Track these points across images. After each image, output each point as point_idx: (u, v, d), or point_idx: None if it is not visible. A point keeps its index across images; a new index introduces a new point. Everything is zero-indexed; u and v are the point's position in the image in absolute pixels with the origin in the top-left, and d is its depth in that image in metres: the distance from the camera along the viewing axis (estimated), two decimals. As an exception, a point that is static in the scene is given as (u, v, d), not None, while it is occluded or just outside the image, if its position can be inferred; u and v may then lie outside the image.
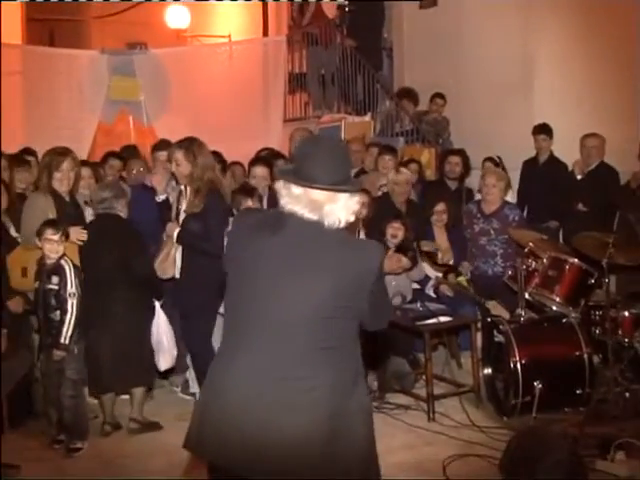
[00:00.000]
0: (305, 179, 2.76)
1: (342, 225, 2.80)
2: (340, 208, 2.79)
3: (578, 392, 5.50)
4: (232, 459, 2.74)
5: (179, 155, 5.48)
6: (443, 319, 5.88)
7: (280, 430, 2.67)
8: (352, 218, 2.84)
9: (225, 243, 2.87)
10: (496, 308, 6.23)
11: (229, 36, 12.49)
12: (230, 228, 2.87)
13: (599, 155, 7.70)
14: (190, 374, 5.98)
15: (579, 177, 7.71)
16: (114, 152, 7.65)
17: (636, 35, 7.75)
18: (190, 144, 5.51)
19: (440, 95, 9.54)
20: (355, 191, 2.86)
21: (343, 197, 2.80)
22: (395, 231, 6.34)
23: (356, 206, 2.85)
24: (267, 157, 7.49)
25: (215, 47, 11.46)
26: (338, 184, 2.78)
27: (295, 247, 2.76)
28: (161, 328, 5.48)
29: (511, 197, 7.74)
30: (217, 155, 6.65)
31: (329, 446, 2.69)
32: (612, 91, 8.11)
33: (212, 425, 2.77)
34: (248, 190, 6.17)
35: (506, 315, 6.11)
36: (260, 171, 6.71)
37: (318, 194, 2.77)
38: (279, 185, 2.84)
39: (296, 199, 2.77)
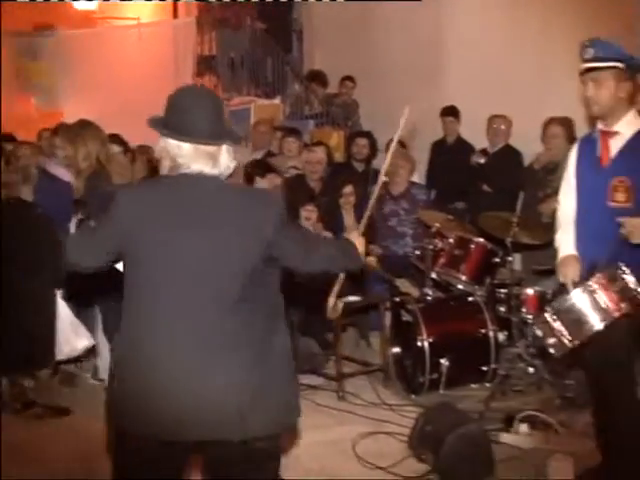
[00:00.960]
0: (187, 134, 2.76)
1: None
2: (228, 158, 2.83)
3: (484, 368, 5.61)
4: (166, 424, 2.71)
5: (58, 139, 5.39)
6: (352, 299, 5.92)
7: (208, 388, 2.69)
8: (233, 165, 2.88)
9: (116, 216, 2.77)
10: (405, 285, 6.30)
11: (138, 18, 12.30)
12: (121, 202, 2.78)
13: (505, 137, 7.83)
14: (100, 360, 5.88)
15: (481, 161, 7.80)
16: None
17: (544, 22, 7.89)
18: (70, 127, 5.42)
19: (349, 78, 9.58)
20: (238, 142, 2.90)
21: (226, 146, 2.84)
22: (309, 214, 6.37)
23: (233, 154, 2.88)
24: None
25: (124, 29, 11.30)
26: (222, 135, 2.82)
27: (199, 204, 2.75)
28: (61, 315, 5.38)
29: (417, 178, 7.84)
30: (117, 138, 6.53)
31: (254, 398, 2.72)
32: (518, 75, 8.25)
33: (145, 396, 2.72)
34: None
35: (415, 293, 6.19)
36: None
37: (211, 147, 2.78)
38: (165, 145, 2.82)
39: (191, 156, 2.77)
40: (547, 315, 3.57)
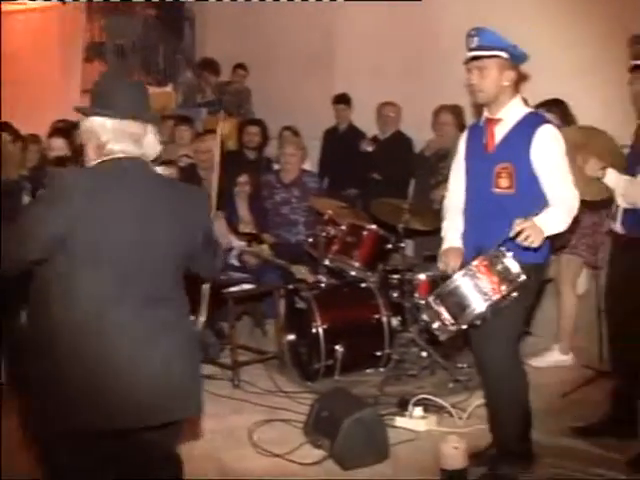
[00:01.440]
0: (112, 110, 2.75)
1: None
2: (153, 140, 2.84)
3: (378, 354, 5.68)
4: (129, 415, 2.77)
5: None
6: (246, 287, 5.92)
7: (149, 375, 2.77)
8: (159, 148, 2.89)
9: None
10: (301, 272, 6.31)
11: (25, 3, 11.93)
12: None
13: (395, 124, 7.91)
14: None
15: (369, 149, 7.86)
16: None
17: (435, 10, 7.99)
18: None
19: (242, 66, 9.53)
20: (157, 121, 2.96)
21: (151, 128, 2.83)
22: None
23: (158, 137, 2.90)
24: (64, 128, 7.24)
25: (10, 14, 10.94)
26: (145, 116, 2.83)
27: (137, 195, 2.76)
28: None
29: (309, 166, 7.87)
30: (7, 126, 6.35)
31: (182, 384, 2.87)
32: (410, 63, 8.33)
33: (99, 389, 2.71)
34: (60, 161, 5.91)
35: (311, 279, 6.20)
36: (58, 143, 6.47)
37: (135, 128, 2.75)
38: (90, 125, 2.79)
39: (116, 134, 2.75)
40: (431, 299, 3.64)
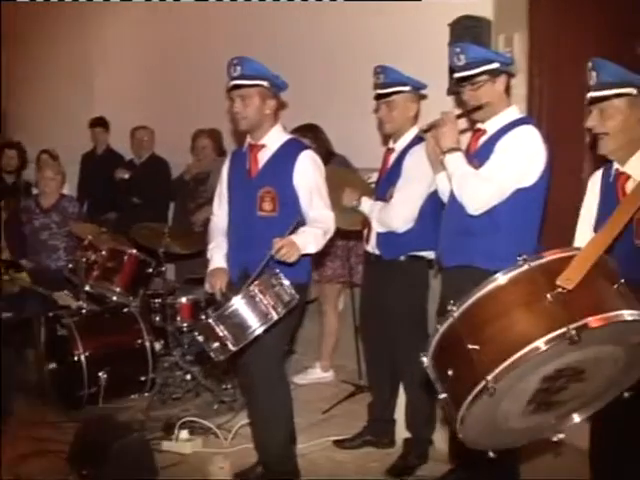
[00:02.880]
0: None
1: None
2: None
3: (142, 378, 5.65)
4: None
5: None
6: (5, 315, 5.70)
7: None
8: None
9: None
10: (64, 298, 6.14)
11: None
12: None
13: (149, 147, 7.90)
14: None
15: (126, 177, 7.78)
16: None
17: (199, 37, 8.08)
18: None
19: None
20: None
21: None
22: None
23: None
24: None
25: None
26: None
27: None
28: None
29: (68, 190, 7.69)
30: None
31: None
32: (169, 87, 8.38)
33: None
34: None
35: (74, 305, 6.05)
36: None
37: None
38: None
39: None
40: (211, 320, 3.69)
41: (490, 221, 3.78)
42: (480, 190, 3.72)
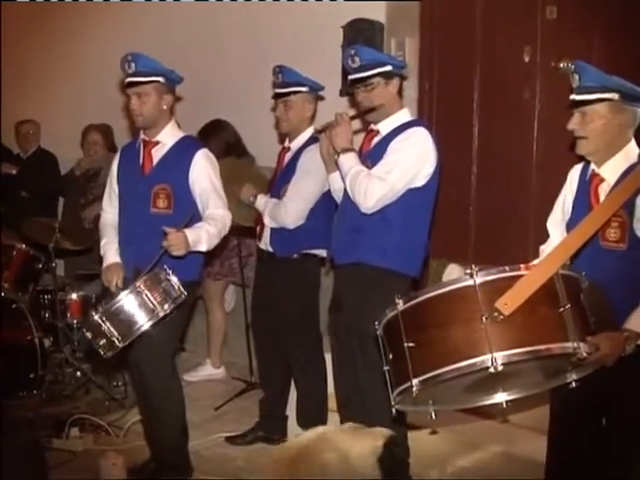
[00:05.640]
0: None
1: None
2: None
3: (32, 376, 5.53)
4: None
5: None
6: None
7: None
8: None
9: None
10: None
11: None
12: None
13: (35, 141, 7.77)
14: None
15: (13, 172, 7.59)
16: None
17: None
18: None
19: None
20: None
21: None
22: None
23: None
24: None
25: None
26: None
27: None
28: None
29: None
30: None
31: None
32: (52, 82, 8.23)
33: None
34: None
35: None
36: None
37: None
38: None
39: None
40: (97, 317, 3.68)
41: (382, 219, 3.89)
42: (373, 189, 3.81)
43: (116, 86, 5.90)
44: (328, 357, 4.54)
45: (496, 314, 2.50)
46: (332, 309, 4.15)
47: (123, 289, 3.88)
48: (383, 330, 2.83)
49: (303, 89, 4.66)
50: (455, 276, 4.35)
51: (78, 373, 5.67)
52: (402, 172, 3.85)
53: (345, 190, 3.99)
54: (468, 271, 2.60)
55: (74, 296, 5.79)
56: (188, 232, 3.88)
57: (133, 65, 4.06)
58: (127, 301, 3.71)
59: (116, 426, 5.07)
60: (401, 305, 2.69)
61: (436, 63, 5.49)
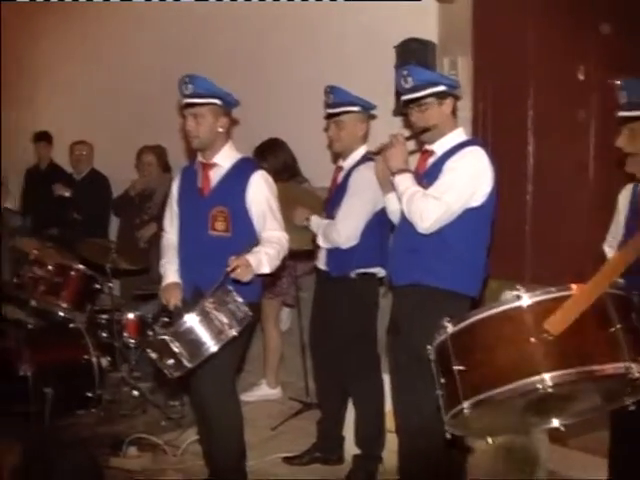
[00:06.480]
0: None
1: None
2: None
3: (89, 395, 5.58)
4: None
5: None
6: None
7: None
8: None
9: None
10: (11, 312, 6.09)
11: None
12: None
13: (88, 162, 7.89)
14: None
15: (66, 194, 7.72)
16: None
17: (132, 49, 8.09)
18: None
19: None
20: None
21: None
22: None
23: None
24: None
25: None
26: None
27: None
28: None
29: (11, 204, 7.63)
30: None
31: None
32: (107, 104, 8.36)
33: None
34: None
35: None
36: None
37: None
38: None
39: None
40: (166, 337, 3.69)
41: (439, 240, 3.86)
42: (429, 210, 3.80)
43: (170, 107, 5.97)
44: (386, 378, 4.52)
45: (545, 335, 2.48)
46: (390, 330, 4.14)
47: (185, 309, 3.90)
48: (435, 353, 2.83)
49: (355, 109, 4.68)
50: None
51: (135, 392, 5.73)
52: (458, 192, 3.83)
53: (401, 211, 3.99)
54: (515, 292, 2.59)
55: (131, 316, 5.87)
56: (249, 257, 3.90)
57: (190, 86, 4.10)
58: (196, 322, 3.72)
59: (173, 445, 5.11)
60: (450, 328, 2.69)
61: (489, 82, 5.48)
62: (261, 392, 6.14)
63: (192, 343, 3.72)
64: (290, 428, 5.54)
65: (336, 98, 4.65)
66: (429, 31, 5.55)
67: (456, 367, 2.63)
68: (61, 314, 5.90)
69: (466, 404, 2.59)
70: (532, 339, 2.50)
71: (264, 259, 3.98)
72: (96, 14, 8.42)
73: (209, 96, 4.12)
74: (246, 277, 3.85)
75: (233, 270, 3.80)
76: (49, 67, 8.93)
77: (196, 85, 4.11)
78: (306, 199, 5.22)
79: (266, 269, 4.00)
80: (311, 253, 5.05)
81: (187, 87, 4.12)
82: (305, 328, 5.40)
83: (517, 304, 2.58)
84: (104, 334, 5.92)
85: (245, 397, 5.94)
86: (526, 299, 2.57)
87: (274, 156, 5.74)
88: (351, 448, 4.85)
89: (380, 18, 5.82)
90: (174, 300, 4.18)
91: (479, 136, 5.34)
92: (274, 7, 6.67)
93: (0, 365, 5.63)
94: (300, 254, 5.25)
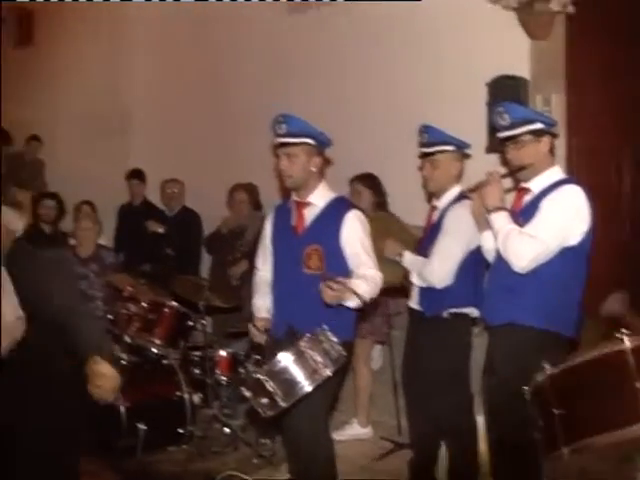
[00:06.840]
0: None
1: None
2: None
3: (181, 431, 5.66)
4: None
5: None
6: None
7: None
8: None
9: None
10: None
11: None
12: None
13: (179, 200, 8.02)
14: None
15: (160, 230, 7.85)
16: None
17: (227, 91, 8.24)
18: None
19: (36, 137, 9.38)
20: None
21: None
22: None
23: None
24: None
25: None
26: None
27: None
28: None
29: (104, 241, 7.78)
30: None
31: None
32: (203, 140, 8.52)
33: None
34: None
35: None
36: None
37: None
38: None
39: None
40: (261, 376, 3.70)
41: (535, 278, 3.82)
42: (526, 248, 3.76)
43: (261, 145, 6.05)
44: (480, 419, 4.45)
45: None
46: (486, 371, 4.08)
47: (279, 348, 3.90)
48: (532, 395, 2.76)
49: (449, 148, 4.66)
50: (616, 307, 4.25)
51: (226, 429, 5.74)
52: (555, 230, 3.79)
53: (497, 249, 3.94)
54: (618, 335, 2.52)
55: (223, 353, 5.90)
56: (349, 281, 3.89)
57: (284, 126, 4.12)
58: (290, 361, 3.72)
59: (265, 484, 5.11)
60: (549, 370, 2.63)
61: (584, 119, 5.40)
62: (353, 431, 6.08)
63: (286, 382, 3.71)
64: (382, 468, 5.48)
65: (430, 137, 4.64)
66: (521, 68, 5.51)
67: (556, 410, 2.56)
68: (154, 350, 5.98)
69: (565, 450, 2.53)
70: (637, 384, 2.42)
71: (361, 285, 3.92)
72: (190, 51, 8.62)
73: (303, 136, 4.13)
74: (332, 299, 3.81)
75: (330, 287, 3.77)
76: (142, 102, 9.12)
77: (290, 124, 4.13)
78: (398, 232, 5.20)
79: (363, 293, 3.92)
80: (402, 289, 5.01)
81: (281, 127, 4.14)
82: (397, 367, 5.35)
83: (620, 347, 2.51)
84: (196, 371, 5.96)
85: (337, 436, 5.88)
86: (629, 342, 2.50)
87: (370, 189, 5.79)
88: (444, 489, 4.78)
89: (472, 55, 5.81)
90: (262, 335, 4.23)
91: (574, 173, 5.26)
92: (371, 47, 6.74)
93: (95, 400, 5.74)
94: (392, 290, 5.22)
